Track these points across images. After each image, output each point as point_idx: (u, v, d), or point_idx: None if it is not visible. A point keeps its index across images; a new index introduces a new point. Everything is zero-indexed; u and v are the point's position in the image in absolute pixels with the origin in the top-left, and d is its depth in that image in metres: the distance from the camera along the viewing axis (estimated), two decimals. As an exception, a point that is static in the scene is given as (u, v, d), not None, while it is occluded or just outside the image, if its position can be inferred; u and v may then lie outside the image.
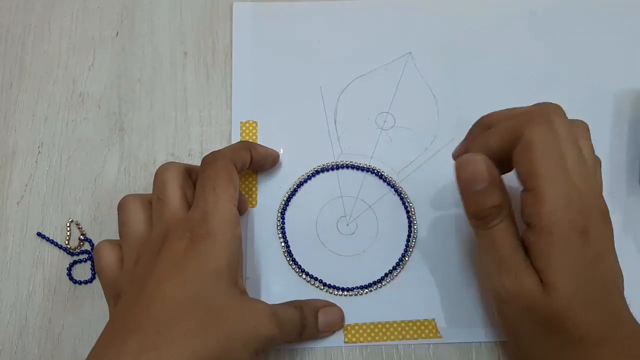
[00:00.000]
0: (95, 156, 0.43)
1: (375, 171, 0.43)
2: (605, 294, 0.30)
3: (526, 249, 0.31)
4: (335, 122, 0.44)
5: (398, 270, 0.40)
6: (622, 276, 0.32)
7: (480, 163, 0.30)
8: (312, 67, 0.46)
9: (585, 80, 0.45)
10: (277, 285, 0.40)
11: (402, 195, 0.42)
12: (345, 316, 0.39)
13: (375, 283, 0.40)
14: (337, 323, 0.38)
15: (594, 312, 0.29)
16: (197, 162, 0.43)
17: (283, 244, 0.41)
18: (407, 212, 0.41)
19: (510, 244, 0.31)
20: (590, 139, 0.33)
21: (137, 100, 0.45)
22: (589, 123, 0.41)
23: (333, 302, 0.38)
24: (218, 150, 0.37)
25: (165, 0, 0.48)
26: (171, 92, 0.45)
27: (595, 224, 0.30)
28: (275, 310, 0.33)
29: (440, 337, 0.38)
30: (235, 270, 0.33)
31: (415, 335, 0.38)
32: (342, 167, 0.43)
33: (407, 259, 0.40)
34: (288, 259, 0.40)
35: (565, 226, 0.29)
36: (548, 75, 0.45)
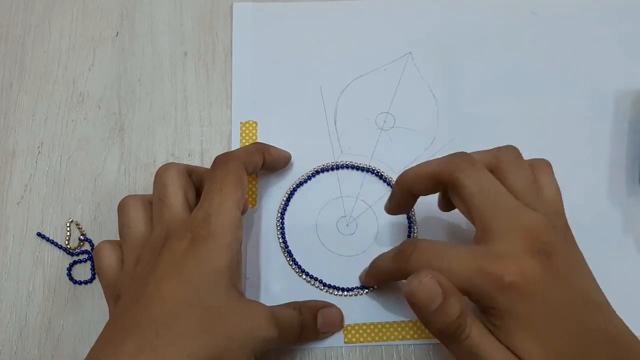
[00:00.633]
0: (95, 156, 0.43)
1: (375, 171, 0.43)
2: (583, 334, 0.29)
3: (492, 332, 0.30)
4: (335, 122, 0.44)
5: None
6: (600, 289, 0.31)
7: (430, 283, 0.28)
8: (312, 67, 0.46)
9: (585, 81, 0.45)
10: (277, 285, 0.40)
11: (402, 195, 0.42)
12: (345, 316, 0.38)
13: None
14: (337, 324, 0.38)
15: None
16: (197, 162, 0.43)
17: (283, 244, 0.41)
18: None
19: (489, 347, 0.29)
20: (518, 161, 0.34)
21: (137, 100, 0.45)
22: (589, 123, 0.41)
23: (333, 302, 0.38)
24: (231, 152, 0.37)
25: (165, 0, 0.48)
26: (171, 92, 0.45)
27: (555, 241, 0.30)
28: (273, 311, 0.33)
29: None
30: (235, 272, 0.33)
31: (415, 336, 0.38)
32: (342, 167, 0.43)
33: None
34: (288, 259, 0.40)
35: (524, 259, 0.29)
36: (548, 75, 0.45)
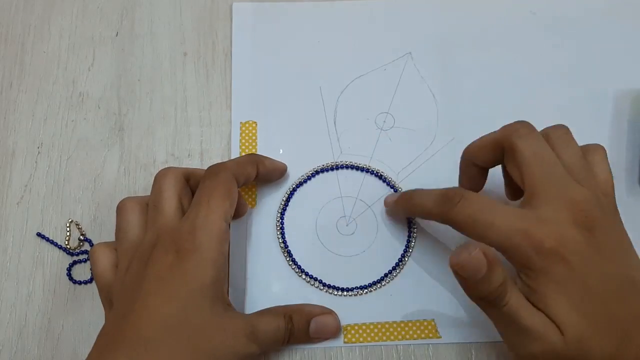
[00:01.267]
0: (95, 156, 0.43)
1: (375, 171, 0.43)
2: (619, 306, 0.29)
3: (527, 296, 0.30)
4: (335, 123, 0.44)
5: (397, 271, 0.40)
6: None
7: (478, 256, 0.29)
8: (311, 67, 0.46)
9: (585, 80, 0.45)
10: (277, 286, 0.40)
11: (402, 195, 0.42)
12: (345, 316, 0.38)
13: (374, 283, 0.40)
14: (331, 332, 0.38)
15: (609, 338, 0.29)
16: (196, 162, 0.43)
17: (282, 244, 0.41)
18: (407, 212, 0.41)
19: (527, 313, 0.30)
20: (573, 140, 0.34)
21: (136, 101, 0.45)
22: (589, 123, 0.41)
23: (332, 302, 0.38)
24: (223, 163, 0.37)
25: (165, 0, 0.48)
26: (171, 92, 0.45)
27: (600, 218, 0.31)
28: (255, 326, 0.34)
29: (440, 337, 0.38)
30: (220, 286, 0.33)
31: (415, 336, 0.38)
32: (342, 167, 0.43)
33: (406, 259, 0.40)
34: (288, 259, 0.40)
35: (567, 228, 0.30)
36: (547, 75, 0.46)
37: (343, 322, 0.39)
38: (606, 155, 0.34)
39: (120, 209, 0.36)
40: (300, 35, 0.47)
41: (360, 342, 0.38)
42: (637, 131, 0.43)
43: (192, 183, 0.37)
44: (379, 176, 0.43)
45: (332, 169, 0.43)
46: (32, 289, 0.40)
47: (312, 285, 0.40)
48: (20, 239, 0.41)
